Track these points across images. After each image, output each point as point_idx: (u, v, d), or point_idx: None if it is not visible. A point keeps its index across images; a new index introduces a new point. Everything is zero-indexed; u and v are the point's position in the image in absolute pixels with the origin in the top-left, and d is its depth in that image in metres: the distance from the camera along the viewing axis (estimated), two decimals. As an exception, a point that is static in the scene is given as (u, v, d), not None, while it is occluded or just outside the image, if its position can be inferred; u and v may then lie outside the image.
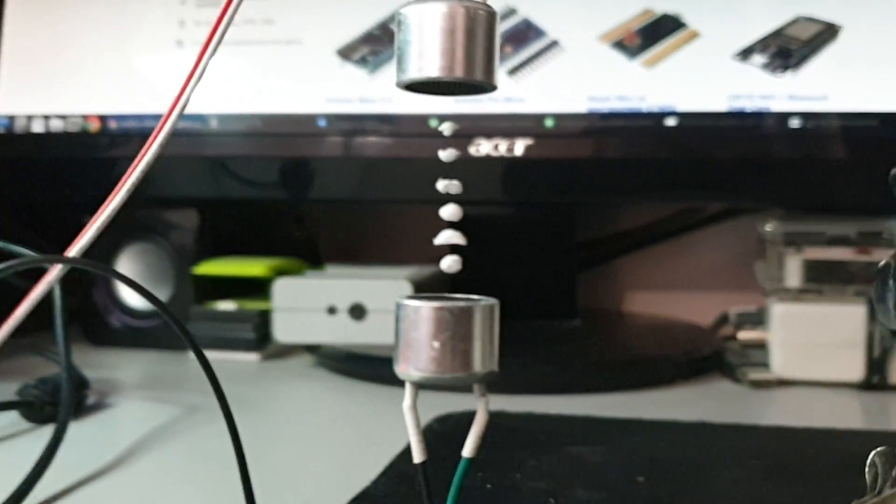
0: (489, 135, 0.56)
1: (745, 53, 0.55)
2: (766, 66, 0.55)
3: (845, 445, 0.40)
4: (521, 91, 0.57)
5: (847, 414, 0.48)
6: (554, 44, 0.57)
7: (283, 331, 0.56)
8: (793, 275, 0.52)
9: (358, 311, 0.55)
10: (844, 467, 0.37)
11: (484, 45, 0.20)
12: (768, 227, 0.52)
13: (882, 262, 0.21)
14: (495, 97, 0.57)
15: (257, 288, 0.61)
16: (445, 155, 0.23)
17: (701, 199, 0.61)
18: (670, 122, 0.55)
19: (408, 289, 0.54)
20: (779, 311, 0.51)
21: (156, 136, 0.23)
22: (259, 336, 0.59)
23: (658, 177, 0.57)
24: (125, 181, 0.23)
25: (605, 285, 0.72)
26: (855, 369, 0.50)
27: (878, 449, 0.21)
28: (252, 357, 0.59)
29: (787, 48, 0.55)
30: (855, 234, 0.51)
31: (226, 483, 0.35)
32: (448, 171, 0.60)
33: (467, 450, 0.22)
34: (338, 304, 0.55)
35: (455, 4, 0.20)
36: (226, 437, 0.25)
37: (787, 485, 0.35)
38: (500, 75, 0.57)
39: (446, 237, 0.23)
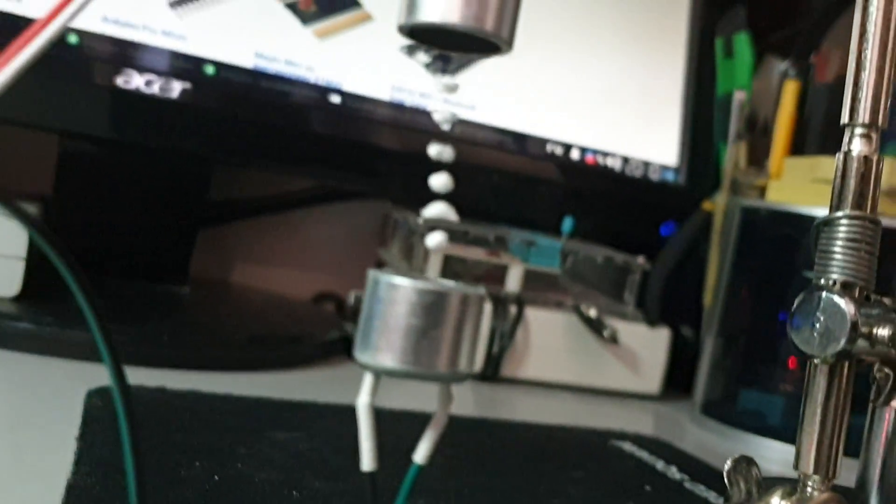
0: (141, 69, 0.49)
1: (412, 49, 0.56)
2: (428, 66, 0.57)
3: (512, 436, 0.43)
4: (184, 28, 0.51)
5: (465, 402, 0.51)
6: (225, -14, 0.52)
7: None
8: (433, 267, 0.54)
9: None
10: (522, 457, 0.40)
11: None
12: (420, 220, 0.54)
13: (802, 295, 0.23)
14: (153, 28, 0.50)
15: None
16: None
17: (345, 181, 0.61)
18: (335, 98, 0.54)
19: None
20: (415, 301, 0.53)
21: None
22: None
23: (310, 150, 0.55)
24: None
25: (206, 253, 0.67)
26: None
27: (730, 462, 0.23)
28: None
29: (449, 53, 0.57)
30: (493, 238, 0.55)
31: None
32: (75, 100, 0.51)
33: (420, 456, 0.19)
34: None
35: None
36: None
37: (493, 475, 0.36)
38: (161, 4, 0.50)
39: (438, 211, 0.19)
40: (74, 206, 0.55)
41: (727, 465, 0.22)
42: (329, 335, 0.55)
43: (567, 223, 0.57)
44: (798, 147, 0.54)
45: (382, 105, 0.56)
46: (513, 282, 0.56)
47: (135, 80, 0.49)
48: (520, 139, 0.60)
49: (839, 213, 0.22)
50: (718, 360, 0.54)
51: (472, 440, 0.40)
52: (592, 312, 0.56)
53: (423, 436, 0.20)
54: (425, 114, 0.57)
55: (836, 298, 0.22)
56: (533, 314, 0.56)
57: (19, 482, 0.27)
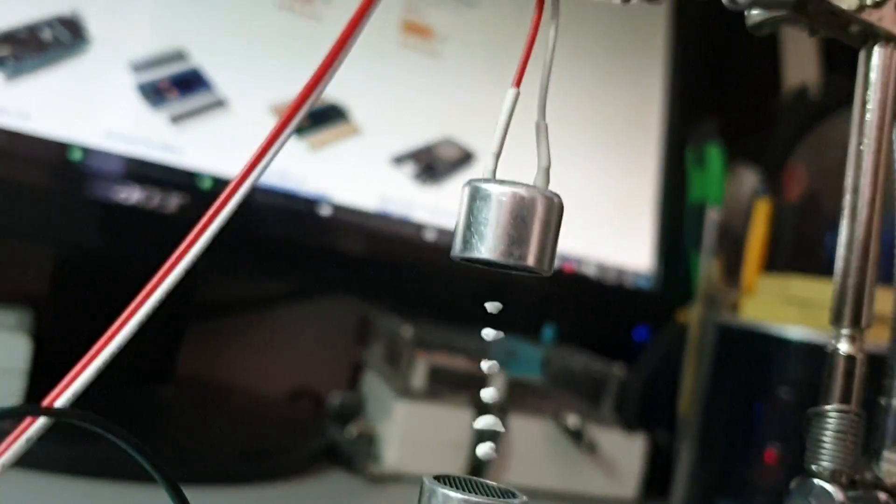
0: (142, 184, 0.52)
1: (399, 160, 0.60)
2: (415, 177, 0.60)
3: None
4: (183, 142, 0.54)
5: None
6: (220, 103, 0.55)
7: None
8: (419, 376, 0.57)
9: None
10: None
11: (553, 235, 0.21)
12: (403, 332, 0.57)
13: (796, 480, 0.26)
14: (154, 142, 0.53)
15: None
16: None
17: (333, 291, 0.64)
18: (325, 210, 0.57)
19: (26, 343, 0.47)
20: (402, 408, 0.56)
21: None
22: None
23: (298, 260, 0.58)
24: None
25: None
26: (457, 466, 0.56)
27: None
28: None
29: (434, 165, 0.61)
30: (475, 347, 0.58)
31: None
32: (74, 215, 0.53)
33: None
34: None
35: (537, 193, 0.21)
36: None
37: None
38: (162, 120, 0.53)
39: (487, 422, 0.22)
40: (67, 311, 0.57)
41: None
42: (315, 443, 0.57)
43: (547, 332, 0.60)
44: (770, 260, 0.58)
45: (370, 216, 0.59)
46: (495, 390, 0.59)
47: (135, 196, 0.52)
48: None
49: (828, 407, 0.26)
50: (695, 469, 0.57)
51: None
52: (571, 422, 0.59)
53: None
54: (410, 225, 0.60)
55: (827, 486, 0.25)
56: (514, 422, 0.58)
57: None
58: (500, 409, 0.58)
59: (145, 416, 0.55)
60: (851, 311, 0.25)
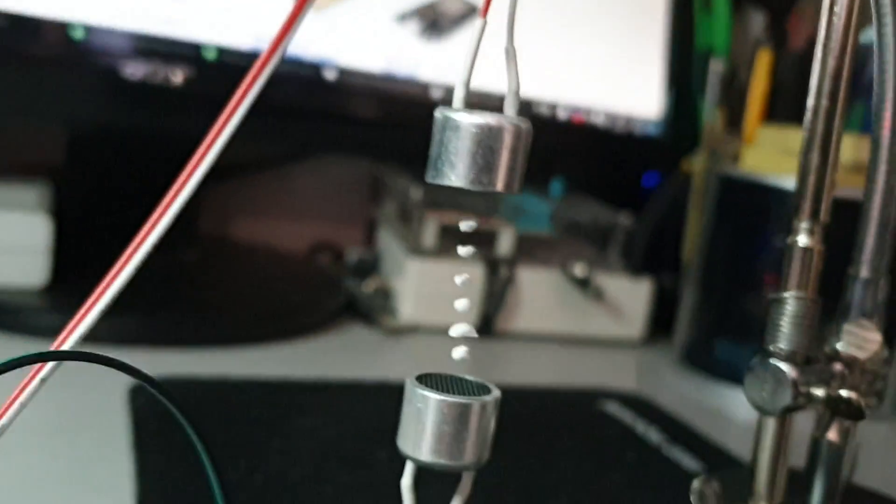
0: (147, 58, 0.53)
1: (403, 17, 0.60)
2: (420, 34, 0.60)
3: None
4: (185, 13, 0.54)
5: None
6: (221, -31, 0.55)
7: None
8: (429, 235, 0.59)
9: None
10: (515, 427, 0.45)
11: (522, 160, 0.23)
12: (413, 194, 0.59)
13: (755, 359, 0.28)
14: (156, 16, 0.53)
15: None
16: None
17: (340, 152, 0.65)
18: (331, 74, 0.58)
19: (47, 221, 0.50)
20: (414, 266, 0.59)
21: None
22: None
23: (308, 126, 0.59)
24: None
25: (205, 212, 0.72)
26: (468, 318, 0.60)
27: (696, 482, 0.28)
28: None
29: (438, 20, 0.61)
30: (482, 205, 0.60)
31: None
32: (84, 92, 0.55)
33: None
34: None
35: (505, 122, 0.22)
36: None
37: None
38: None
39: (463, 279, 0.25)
40: (84, 184, 0.59)
41: (695, 487, 0.28)
42: (335, 299, 0.60)
43: (556, 187, 0.62)
44: (772, 110, 0.59)
45: (376, 78, 0.59)
46: (504, 245, 0.61)
47: (141, 70, 0.53)
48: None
49: (786, 294, 0.27)
50: (697, 310, 0.60)
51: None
52: (579, 270, 0.61)
53: None
54: (416, 84, 0.61)
55: (782, 365, 0.27)
56: (523, 274, 0.61)
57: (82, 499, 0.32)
58: (508, 264, 0.61)
59: (170, 280, 0.58)
60: (811, 206, 0.26)
